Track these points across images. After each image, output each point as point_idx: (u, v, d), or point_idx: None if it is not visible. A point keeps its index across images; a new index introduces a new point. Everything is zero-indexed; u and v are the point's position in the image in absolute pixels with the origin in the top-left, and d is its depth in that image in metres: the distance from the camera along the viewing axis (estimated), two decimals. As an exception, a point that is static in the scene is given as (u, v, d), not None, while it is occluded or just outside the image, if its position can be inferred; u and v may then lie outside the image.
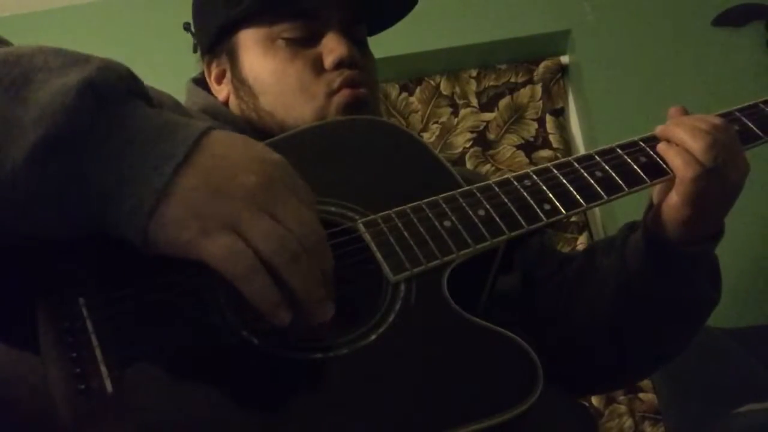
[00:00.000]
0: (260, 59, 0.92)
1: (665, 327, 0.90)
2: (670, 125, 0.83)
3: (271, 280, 0.57)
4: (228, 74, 0.97)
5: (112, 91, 0.59)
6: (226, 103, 0.98)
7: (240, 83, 0.95)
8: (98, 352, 0.57)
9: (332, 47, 0.91)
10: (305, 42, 0.92)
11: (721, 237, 0.85)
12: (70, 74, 0.58)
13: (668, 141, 0.82)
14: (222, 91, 0.98)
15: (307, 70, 0.91)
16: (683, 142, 0.80)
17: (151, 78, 0.72)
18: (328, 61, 0.90)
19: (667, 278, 0.84)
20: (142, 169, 0.57)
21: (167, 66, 1.70)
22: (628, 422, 2.07)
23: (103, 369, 0.57)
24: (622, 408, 2.08)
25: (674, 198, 0.80)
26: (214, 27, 0.96)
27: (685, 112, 0.86)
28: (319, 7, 0.92)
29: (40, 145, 0.55)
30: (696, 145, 0.79)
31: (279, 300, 0.58)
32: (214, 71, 0.99)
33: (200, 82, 1.02)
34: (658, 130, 0.84)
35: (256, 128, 0.92)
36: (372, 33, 1.01)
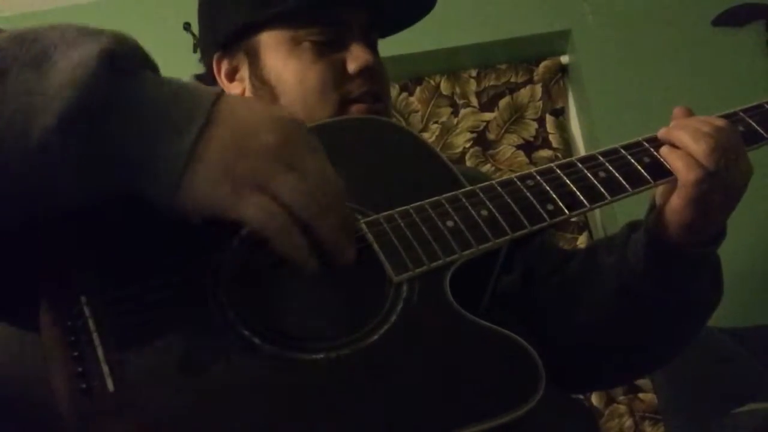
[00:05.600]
0: (284, 60, 0.93)
1: (666, 327, 0.90)
2: (673, 127, 0.82)
3: (303, 234, 0.61)
4: (243, 73, 0.97)
5: (129, 60, 0.61)
6: None
7: (261, 83, 0.95)
8: (100, 351, 0.58)
9: (358, 54, 0.92)
10: (329, 46, 0.93)
11: (723, 238, 0.85)
12: (87, 45, 0.60)
13: (671, 143, 0.82)
14: (235, 89, 0.98)
15: (330, 73, 0.92)
16: (685, 144, 0.79)
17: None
18: (353, 66, 0.92)
19: (668, 279, 0.84)
20: (166, 133, 0.58)
21: (167, 66, 1.69)
22: (628, 422, 2.07)
23: (105, 368, 0.57)
24: (622, 408, 2.08)
25: (676, 200, 0.79)
26: (234, 25, 0.96)
27: (690, 113, 0.85)
28: (345, 14, 0.94)
29: (68, 112, 0.56)
30: (698, 147, 0.78)
31: (309, 251, 0.62)
32: (225, 68, 0.99)
33: (203, 80, 1.02)
34: (661, 132, 0.83)
35: None
36: (380, 37, 1.02)
